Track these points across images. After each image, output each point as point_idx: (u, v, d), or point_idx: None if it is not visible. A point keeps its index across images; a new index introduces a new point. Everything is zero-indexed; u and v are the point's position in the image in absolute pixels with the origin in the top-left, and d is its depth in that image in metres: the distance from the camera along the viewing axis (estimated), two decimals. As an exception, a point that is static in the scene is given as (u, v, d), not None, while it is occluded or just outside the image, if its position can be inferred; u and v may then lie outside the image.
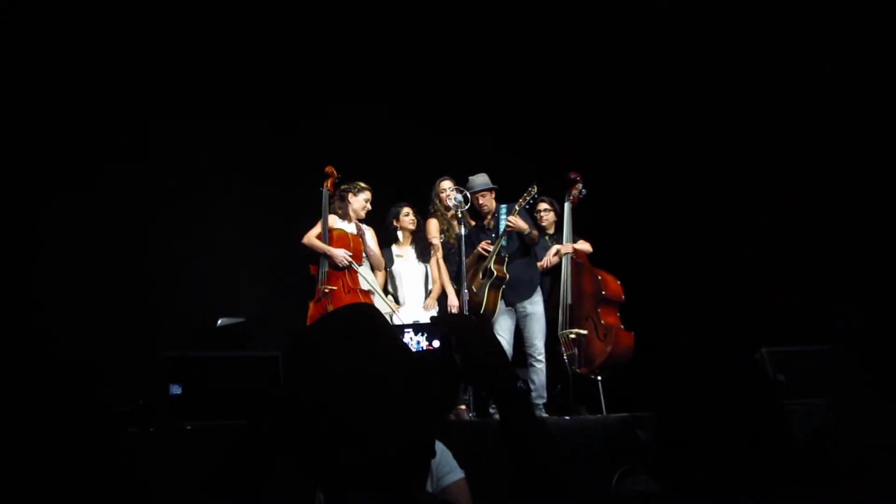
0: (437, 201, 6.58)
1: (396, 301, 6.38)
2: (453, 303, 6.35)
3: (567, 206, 6.76)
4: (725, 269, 6.62)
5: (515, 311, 6.30)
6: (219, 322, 6.05)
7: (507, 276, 6.25)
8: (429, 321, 6.16)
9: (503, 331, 6.21)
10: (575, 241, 6.67)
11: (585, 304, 6.48)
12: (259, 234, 7.08)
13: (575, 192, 6.75)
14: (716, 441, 5.13)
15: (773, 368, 5.48)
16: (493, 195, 6.43)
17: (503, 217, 6.37)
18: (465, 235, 6.17)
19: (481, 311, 6.15)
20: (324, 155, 6.48)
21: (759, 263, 6.44)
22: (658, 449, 5.45)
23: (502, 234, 6.25)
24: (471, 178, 6.47)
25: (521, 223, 6.25)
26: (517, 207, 6.28)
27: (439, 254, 6.51)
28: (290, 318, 6.53)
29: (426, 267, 6.55)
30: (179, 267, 6.66)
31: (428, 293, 6.50)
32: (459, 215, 6.23)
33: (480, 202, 6.41)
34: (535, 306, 6.38)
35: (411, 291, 6.46)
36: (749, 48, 6.46)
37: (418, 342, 5.04)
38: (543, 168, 6.71)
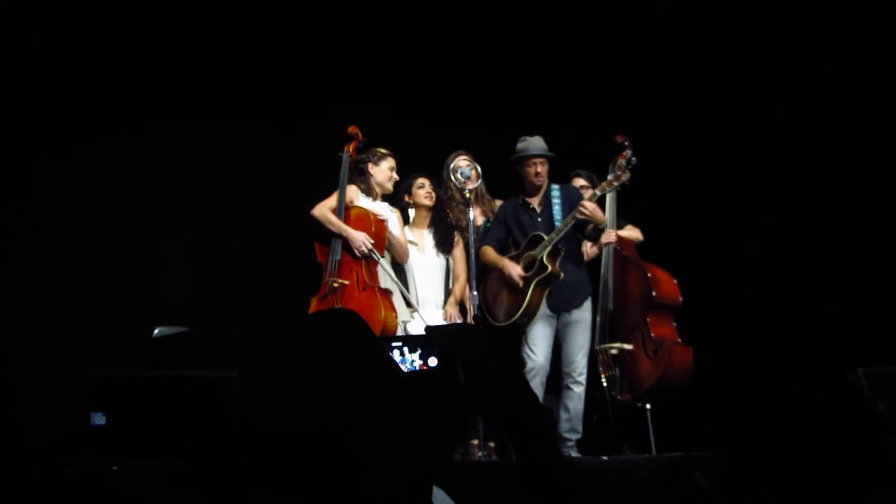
0: (451, 182, 6.48)
1: (408, 304, 6.30)
2: (451, 312, 6.34)
3: (611, 178, 6.59)
4: (805, 267, 6.90)
5: (557, 319, 6.31)
6: (155, 332, 6.05)
7: (562, 274, 6.23)
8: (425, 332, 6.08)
9: (539, 340, 6.17)
10: (620, 228, 6.59)
11: (631, 311, 6.40)
12: (209, 220, 7.17)
13: (622, 161, 6.57)
14: (797, 489, 5.14)
15: (871, 394, 5.49)
16: (548, 166, 6.42)
17: (556, 199, 6.37)
18: (473, 223, 6.15)
19: (520, 312, 6.13)
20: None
21: (841, 263, 6.81)
22: (723, 499, 5.46)
23: (567, 222, 6.18)
24: (522, 140, 6.45)
25: (599, 213, 6.20)
26: (598, 192, 6.24)
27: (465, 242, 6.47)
28: (250, 324, 6.50)
29: (447, 259, 6.52)
30: (112, 265, 6.76)
31: (448, 293, 6.47)
32: (467, 195, 6.26)
33: (535, 172, 6.36)
34: (584, 312, 6.34)
35: (429, 291, 6.42)
36: (749, 48, 7.23)
37: (411, 360, 5.03)
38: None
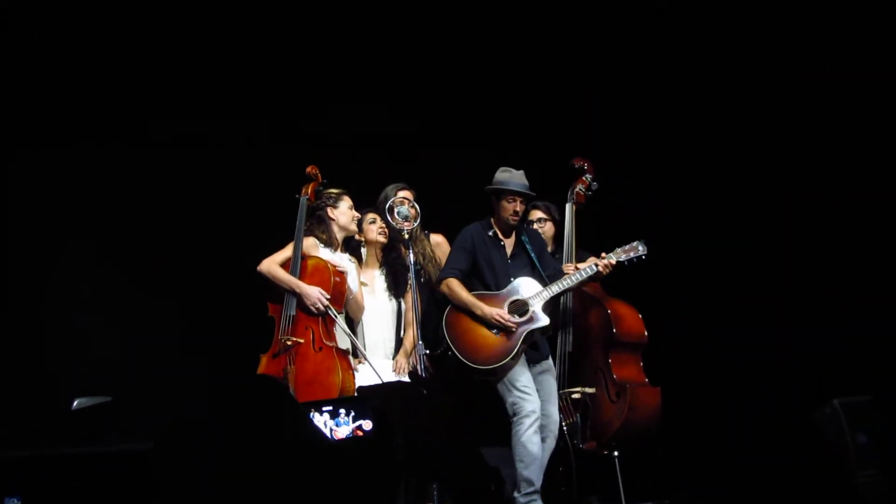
0: (390, 218, 6.13)
1: (355, 354, 6.11)
2: (402, 362, 6.17)
3: (569, 208, 6.56)
4: (777, 292, 6.99)
5: (530, 367, 6.12)
6: (74, 403, 5.92)
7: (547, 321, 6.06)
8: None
9: (530, 384, 5.98)
10: (582, 259, 6.37)
11: (592, 352, 6.31)
12: (140, 271, 7.04)
13: (581, 187, 6.54)
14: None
15: (849, 427, 5.47)
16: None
17: (528, 245, 6.23)
18: (414, 266, 5.97)
19: (510, 357, 5.90)
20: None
21: (815, 289, 6.92)
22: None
23: (580, 279, 6.02)
24: (505, 171, 6.24)
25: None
26: (614, 258, 6.08)
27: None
28: (187, 387, 6.43)
29: (399, 303, 6.36)
30: (27, 325, 6.67)
31: (400, 343, 6.29)
32: (406, 236, 6.04)
33: (515, 210, 6.16)
34: (551, 360, 6.25)
35: (377, 336, 6.27)
36: (749, 48, 7.34)
37: (344, 422, 4.93)
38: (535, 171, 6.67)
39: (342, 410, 4.99)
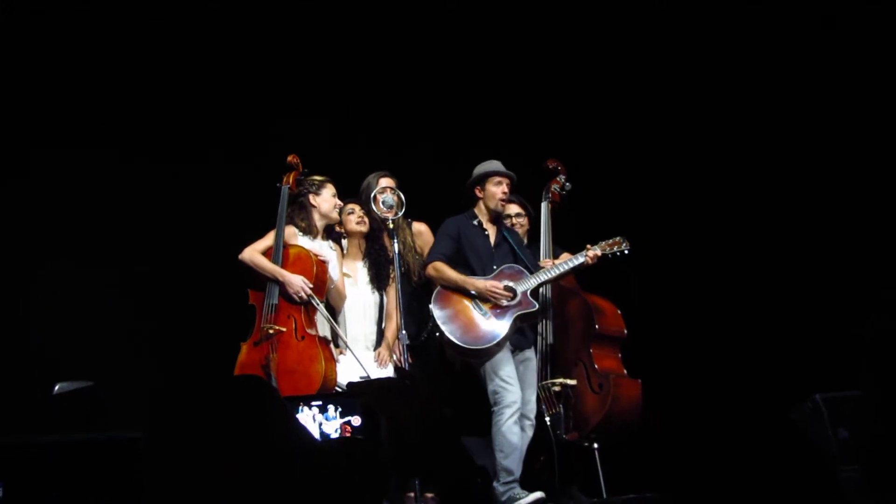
0: (374, 207, 6.22)
1: (335, 343, 6.11)
2: (384, 354, 6.20)
3: (545, 206, 6.63)
4: (758, 290, 7.12)
5: (513, 356, 6.20)
6: (56, 388, 5.92)
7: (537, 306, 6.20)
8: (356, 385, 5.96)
9: (513, 374, 6.06)
10: (556, 255, 6.49)
11: (573, 344, 6.35)
12: (123, 257, 7.03)
13: (555, 186, 6.63)
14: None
15: (831, 422, 5.53)
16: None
17: (509, 238, 6.36)
18: (399, 256, 6.07)
19: (497, 341, 5.98)
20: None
21: (800, 284, 7.08)
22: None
23: (570, 267, 6.17)
24: (484, 163, 6.41)
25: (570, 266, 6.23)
26: (600, 252, 6.20)
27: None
28: (169, 374, 6.50)
29: (381, 295, 6.37)
30: (8, 310, 6.65)
31: (381, 334, 6.30)
32: (391, 225, 6.13)
33: (504, 190, 6.33)
34: (532, 350, 6.33)
35: (359, 327, 6.28)
36: (726, 45, 7.53)
37: (333, 417, 4.96)
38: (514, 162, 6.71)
39: (331, 406, 5.03)
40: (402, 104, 7.67)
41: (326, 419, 4.99)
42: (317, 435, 4.89)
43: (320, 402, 5.02)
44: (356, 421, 4.92)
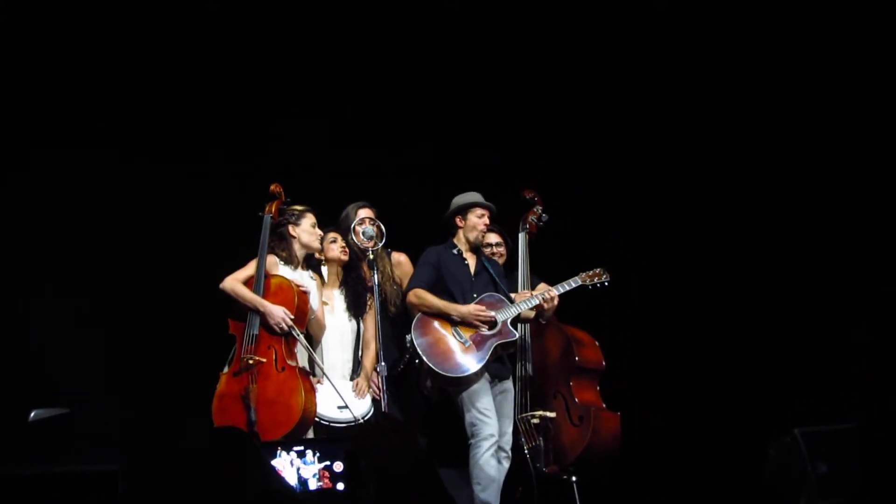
0: (354, 237, 6.22)
1: (313, 372, 6.04)
2: (362, 384, 6.13)
3: (522, 237, 6.64)
4: (736, 323, 7.10)
5: (490, 386, 6.16)
6: (31, 415, 5.85)
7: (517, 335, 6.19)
8: (346, 423, 5.88)
9: (490, 406, 6.04)
10: (534, 285, 6.50)
11: (552, 376, 6.35)
12: (100, 283, 6.93)
13: (532, 217, 6.65)
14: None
15: (810, 456, 5.52)
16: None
17: (490, 269, 6.34)
18: (379, 286, 6.06)
19: (476, 369, 5.96)
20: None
21: (779, 313, 7.06)
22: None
23: (533, 304, 6.17)
24: (462, 195, 6.42)
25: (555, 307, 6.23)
26: (572, 284, 6.22)
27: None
28: (145, 403, 6.44)
29: (358, 322, 6.30)
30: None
31: (359, 364, 6.24)
32: (371, 256, 6.09)
33: (485, 222, 6.36)
34: (510, 382, 6.31)
35: (336, 355, 6.21)
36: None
37: (311, 462, 4.91)
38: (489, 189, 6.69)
39: (309, 451, 4.98)
40: (382, 133, 7.65)
41: (304, 464, 4.93)
42: (294, 480, 4.85)
43: (300, 448, 4.96)
44: (337, 467, 4.88)
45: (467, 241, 6.38)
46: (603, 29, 7.62)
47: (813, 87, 7.16)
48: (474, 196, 6.40)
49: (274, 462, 4.84)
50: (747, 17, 7.26)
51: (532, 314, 6.35)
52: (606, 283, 6.27)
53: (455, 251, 6.36)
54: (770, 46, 7.27)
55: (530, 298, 6.19)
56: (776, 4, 7.15)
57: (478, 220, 6.34)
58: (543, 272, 6.69)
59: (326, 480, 4.88)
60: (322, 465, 4.93)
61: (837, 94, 7.07)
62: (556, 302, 6.22)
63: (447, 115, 7.74)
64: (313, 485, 4.91)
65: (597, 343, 6.50)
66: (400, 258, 6.57)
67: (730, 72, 7.44)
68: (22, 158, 6.92)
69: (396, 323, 6.41)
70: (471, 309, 6.10)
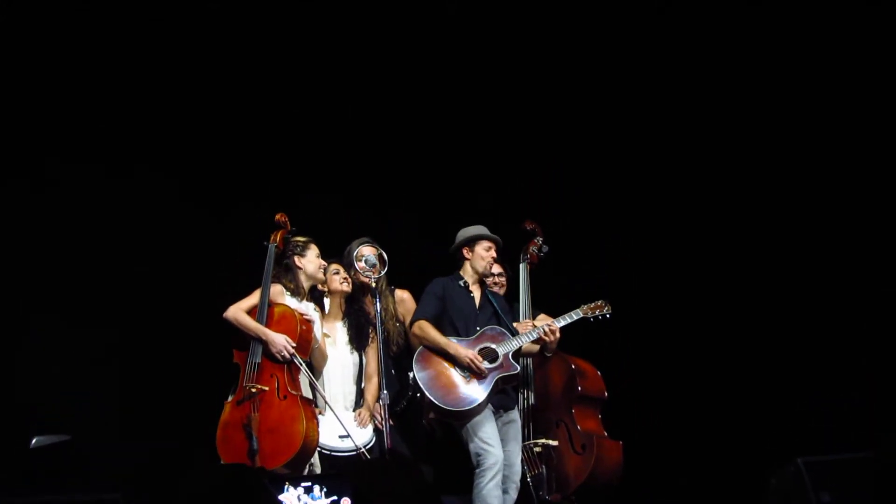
0: (357, 268, 6.25)
1: (316, 404, 5.99)
2: (365, 416, 6.13)
3: (523, 267, 6.66)
4: (739, 353, 7.11)
5: (497, 417, 6.15)
6: (33, 442, 5.83)
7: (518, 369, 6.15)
8: (347, 452, 5.89)
9: (494, 435, 6.01)
10: (535, 316, 6.52)
11: (555, 405, 6.34)
12: (99, 322, 6.90)
13: (533, 248, 6.67)
14: None
15: (813, 486, 5.50)
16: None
17: (494, 302, 6.32)
18: (381, 315, 6.06)
19: (479, 402, 5.94)
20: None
21: (782, 341, 7.06)
22: None
23: (534, 337, 6.13)
24: (466, 229, 6.43)
25: (557, 341, 6.20)
26: (574, 317, 6.21)
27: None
28: (149, 431, 6.44)
29: (360, 355, 6.31)
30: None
31: (360, 395, 6.23)
32: (373, 285, 6.11)
33: (493, 255, 6.36)
34: (516, 412, 6.28)
35: (338, 388, 6.22)
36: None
37: (318, 497, 4.89)
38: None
39: (316, 486, 4.96)
40: (385, 170, 7.72)
41: (312, 499, 4.91)
42: None
43: (308, 483, 4.95)
44: (345, 502, 4.87)
45: (474, 272, 6.37)
46: (602, 56, 7.69)
47: (815, 92, 7.22)
48: (481, 229, 6.40)
49: (281, 497, 4.82)
50: (750, 33, 7.35)
51: (536, 348, 6.29)
52: (608, 315, 6.25)
53: (461, 283, 6.35)
54: (775, 58, 7.34)
55: (532, 331, 6.15)
56: (778, 6, 7.20)
57: (486, 252, 6.34)
58: (543, 303, 6.69)
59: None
60: (329, 500, 4.91)
61: (841, 99, 7.12)
62: (558, 335, 6.17)
63: (448, 152, 7.81)
64: (321, 519, 4.91)
65: (599, 372, 6.50)
66: (403, 295, 6.54)
67: (727, 90, 7.51)
68: (36, 179, 6.99)
69: (399, 360, 6.39)
70: (469, 354, 6.03)
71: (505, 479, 6.00)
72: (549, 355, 6.37)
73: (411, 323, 6.21)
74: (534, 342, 6.20)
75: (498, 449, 5.95)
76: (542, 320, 6.41)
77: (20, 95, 6.88)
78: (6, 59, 6.87)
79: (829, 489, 5.35)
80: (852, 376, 6.79)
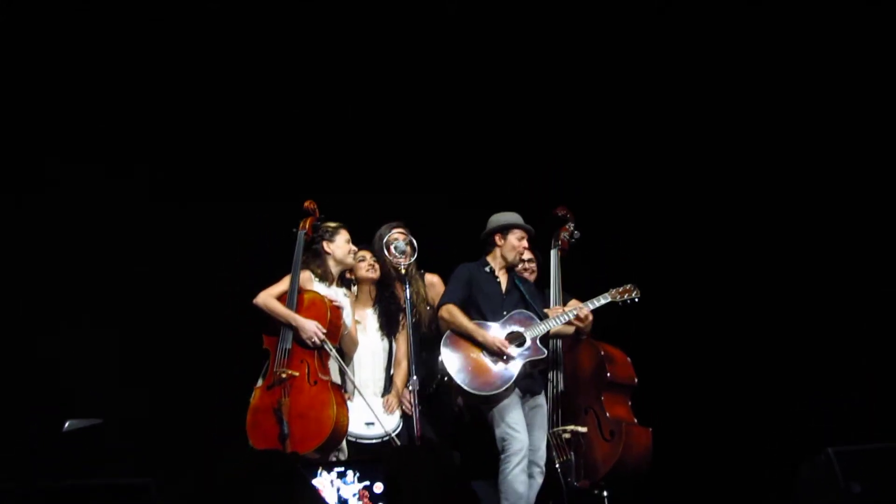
0: (387, 254, 6.26)
1: (345, 389, 6.03)
2: (393, 402, 6.19)
3: (554, 254, 6.62)
4: (773, 339, 7.03)
5: (523, 402, 6.16)
6: (66, 425, 5.88)
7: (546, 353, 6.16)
8: (375, 439, 5.93)
9: (520, 421, 6.02)
10: (566, 302, 6.47)
11: (584, 391, 6.31)
12: (130, 308, 6.99)
13: (564, 234, 6.63)
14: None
15: (843, 475, 5.48)
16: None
17: (522, 288, 6.32)
18: (411, 301, 6.04)
19: (507, 386, 5.95)
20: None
21: (816, 330, 7.01)
22: None
23: (565, 322, 6.16)
24: (499, 215, 6.41)
25: (590, 324, 6.24)
26: (602, 301, 6.20)
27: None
28: (180, 415, 6.52)
29: (390, 342, 6.36)
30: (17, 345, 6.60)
31: (390, 381, 6.29)
32: (402, 271, 6.12)
33: (524, 245, 6.34)
34: (543, 397, 6.28)
35: (368, 374, 6.26)
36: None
37: (351, 482, 4.90)
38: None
39: (350, 471, 4.97)
40: (416, 154, 7.69)
41: (345, 483, 4.92)
42: (334, 500, 4.85)
43: (341, 468, 4.97)
44: (377, 488, 4.88)
45: (503, 259, 6.34)
46: (634, 37, 7.68)
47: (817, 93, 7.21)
48: (515, 217, 6.37)
49: (314, 482, 4.84)
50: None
51: (570, 329, 6.29)
52: (637, 300, 6.20)
53: (487, 269, 6.33)
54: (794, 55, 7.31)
55: (561, 315, 6.15)
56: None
57: (518, 242, 6.31)
58: (574, 289, 6.66)
59: (366, 500, 4.88)
60: (362, 485, 4.92)
61: (842, 99, 7.15)
62: (590, 317, 6.18)
63: (480, 137, 7.78)
64: (353, 504, 4.92)
65: (628, 359, 6.46)
66: (433, 279, 6.55)
67: (747, 87, 7.52)
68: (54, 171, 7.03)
69: (429, 343, 6.37)
70: (496, 340, 6.04)
71: (530, 465, 6.00)
72: (583, 338, 6.38)
73: (438, 307, 6.19)
74: (567, 324, 6.18)
75: (524, 434, 5.95)
76: (572, 306, 6.41)
77: (19, 95, 6.92)
78: (6, 58, 6.90)
79: (860, 479, 5.33)
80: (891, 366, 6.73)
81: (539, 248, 6.73)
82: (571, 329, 6.27)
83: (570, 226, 6.69)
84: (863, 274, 7.02)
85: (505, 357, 6.02)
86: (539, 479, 6.07)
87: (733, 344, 7.25)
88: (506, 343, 6.03)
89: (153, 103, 7.23)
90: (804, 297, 7.15)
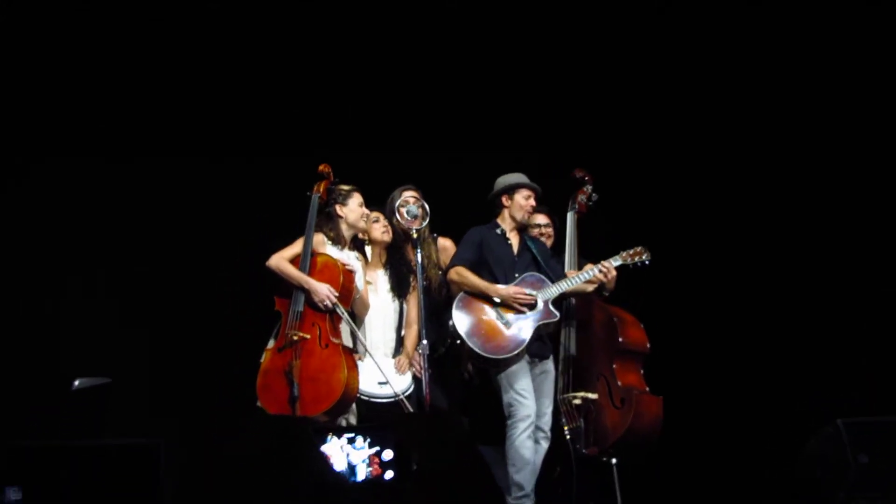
0: (398, 217, 6.26)
1: (355, 349, 6.03)
2: (403, 363, 6.20)
3: (571, 216, 6.55)
4: (784, 307, 7.04)
5: (531, 367, 6.12)
6: (75, 383, 5.88)
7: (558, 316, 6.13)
8: (386, 398, 5.97)
9: (528, 387, 5.99)
10: (582, 266, 6.37)
11: (596, 357, 6.27)
12: (142, 270, 7.00)
13: (582, 197, 6.56)
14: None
15: (851, 447, 5.47)
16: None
17: (533, 249, 6.26)
18: (422, 265, 6.04)
19: (518, 350, 5.92)
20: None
21: (831, 301, 7.03)
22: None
23: (586, 280, 6.11)
24: (505, 176, 6.35)
25: (614, 280, 6.22)
26: (619, 261, 6.14)
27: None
28: (190, 377, 6.55)
29: (401, 303, 6.34)
30: (28, 308, 6.67)
31: (400, 342, 6.29)
32: (414, 235, 6.10)
33: (531, 204, 6.29)
34: (551, 363, 6.25)
35: (379, 335, 6.26)
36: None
37: (360, 447, 4.91)
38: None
39: (360, 437, 4.98)
40: (429, 116, 7.63)
41: (354, 449, 4.94)
42: (344, 465, 4.87)
43: (351, 434, 4.97)
44: (387, 454, 4.89)
45: (513, 220, 6.28)
46: (649, 21, 7.62)
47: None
48: (519, 177, 6.31)
49: (324, 448, 4.85)
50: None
51: (589, 288, 6.22)
52: (647, 262, 6.14)
53: (498, 231, 6.28)
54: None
55: (581, 273, 6.11)
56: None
57: (525, 201, 6.24)
58: (590, 254, 6.59)
59: (376, 466, 4.89)
60: (372, 450, 4.94)
61: (842, 99, 7.15)
62: (614, 273, 6.14)
63: (494, 99, 7.71)
64: (363, 470, 4.92)
65: (641, 325, 6.40)
66: (445, 243, 6.51)
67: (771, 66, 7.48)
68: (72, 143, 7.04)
69: (439, 308, 6.35)
70: (511, 291, 6.01)
71: (535, 431, 5.98)
72: (605, 294, 6.35)
73: (447, 269, 6.17)
74: (587, 282, 6.15)
75: (531, 401, 5.93)
76: (592, 270, 6.37)
77: (19, 95, 6.91)
78: (6, 58, 6.90)
79: (868, 450, 5.34)
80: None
81: (555, 210, 6.67)
82: (591, 287, 6.20)
83: (589, 188, 6.60)
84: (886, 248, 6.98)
85: (522, 308, 6.01)
86: (545, 445, 6.04)
87: (749, 310, 7.24)
88: (522, 290, 6.02)
89: (161, 61, 7.25)
90: (827, 266, 7.14)
